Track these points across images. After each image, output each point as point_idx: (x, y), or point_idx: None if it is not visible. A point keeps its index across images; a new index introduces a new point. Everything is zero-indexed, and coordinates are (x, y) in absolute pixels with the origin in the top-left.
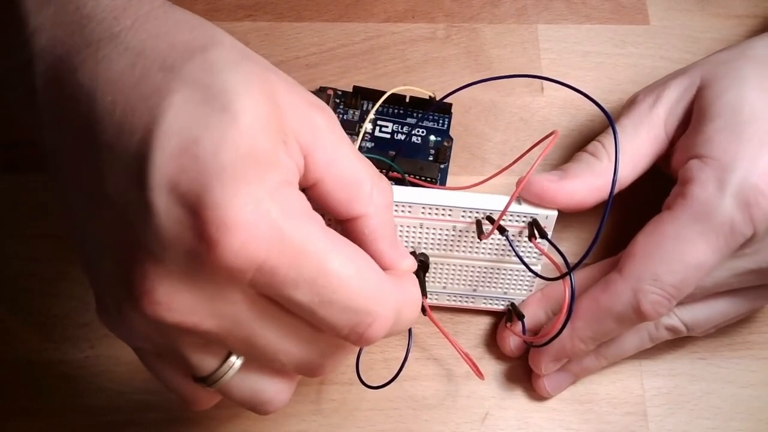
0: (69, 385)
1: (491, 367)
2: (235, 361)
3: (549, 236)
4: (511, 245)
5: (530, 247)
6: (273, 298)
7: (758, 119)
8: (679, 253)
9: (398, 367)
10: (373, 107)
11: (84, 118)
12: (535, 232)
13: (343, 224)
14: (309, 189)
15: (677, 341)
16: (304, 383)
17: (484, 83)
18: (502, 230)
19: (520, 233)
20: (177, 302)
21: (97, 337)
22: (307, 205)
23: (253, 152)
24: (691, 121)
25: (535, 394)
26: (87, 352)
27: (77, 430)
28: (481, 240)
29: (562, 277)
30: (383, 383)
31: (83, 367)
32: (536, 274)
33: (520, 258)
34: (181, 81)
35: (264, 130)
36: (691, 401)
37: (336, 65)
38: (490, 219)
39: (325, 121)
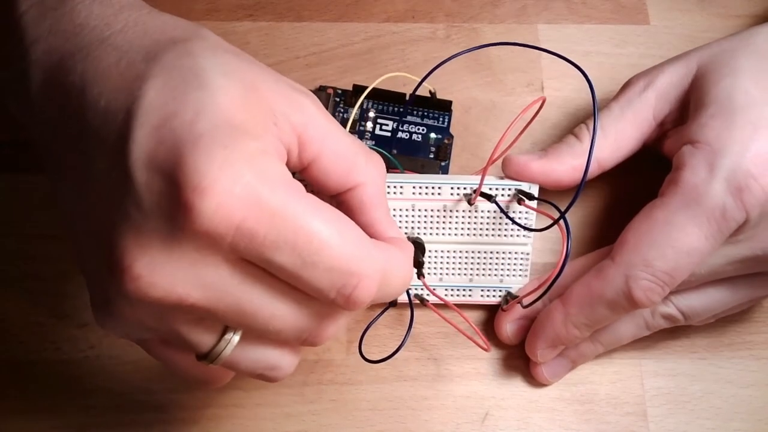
0: (69, 385)
1: (491, 367)
2: (233, 335)
3: (535, 196)
4: (499, 207)
5: (521, 213)
6: (257, 264)
7: (752, 106)
8: (670, 239)
9: (399, 367)
10: (372, 105)
11: (73, 113)
12: (523, 197)
13: (338, 198)
14: (306, 169)
15: (677, 341)
16: (304, 383)
17: (484, 84)
18: (490, 197)
19: (509, 207)
20: (158, 275)
21: (97, 337)
22: (287, 174)
23: (229, 122)
24: (689, 110)
25: (535, 394)
26: (87, 352)
27: (77, 430)
28: (471, 205)
29: (555, 222)
30: (382, 358)
31: (83, 367)
32: (530, 229)
33: (510, 218)
34: (161, 67)
35: (241, 107)
36: (691, 401)
37: (336, 65)
38: (481, 195)
39: (312, 103)
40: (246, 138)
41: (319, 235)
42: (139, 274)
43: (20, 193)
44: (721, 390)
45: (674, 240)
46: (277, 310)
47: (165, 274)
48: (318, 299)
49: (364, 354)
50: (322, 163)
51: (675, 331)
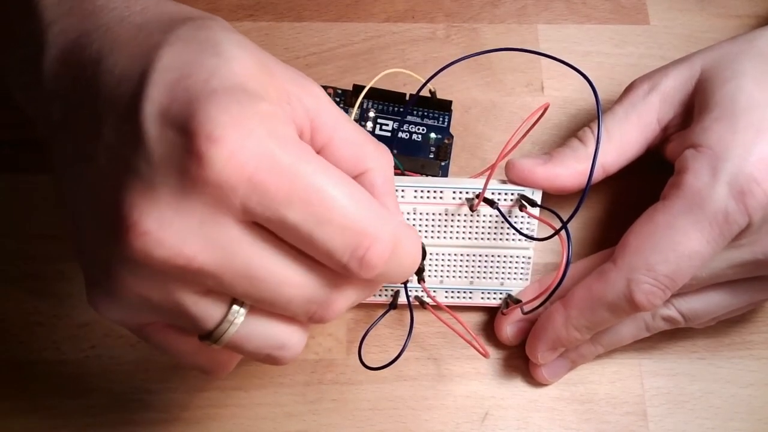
0: (69, 385)
1: (491, 367)
2: (240, 308)
3: (538, 203)
4: (501, 214)
5: (523, 219)
6: (267, 226)
7: (755, 109)
8: (672, 242)
9: (399, 367)
10: (372, 105)
11: (86, 82)
12: (525, 204)
13: None
14: (318, 153)
15: (677, 340)
16: (305, 383)
17: (483, 84)
18: (492, 203)
19: (511, 212)
20: (165, 232)
21: (97, 337)
22: (298, 137)
23: (242, 86)
24: (692, 114)
25: (535, 394)
26: (87, 352)
27: (77, 430)
28: (473, 211)
29: (557, 232)
30: (382, 365)
31: (83, 367)
32: (531, 238)
33: (513, 225)
34: (176, 36)
35: (255, 77)
36: (690, 401)
37: (336, 65)
38: (484, 200)
39: (322, 91)
40: (259, 99)
41: (332, 194)
42: (146, 229)
43: (20, 193)
44: (720, 390)
45: (676, 244)
46: (287, 276)
47: (173, 231)
48: (329, 266)
49: (363, 360)
50: (333, 148)
51: (675, 331)
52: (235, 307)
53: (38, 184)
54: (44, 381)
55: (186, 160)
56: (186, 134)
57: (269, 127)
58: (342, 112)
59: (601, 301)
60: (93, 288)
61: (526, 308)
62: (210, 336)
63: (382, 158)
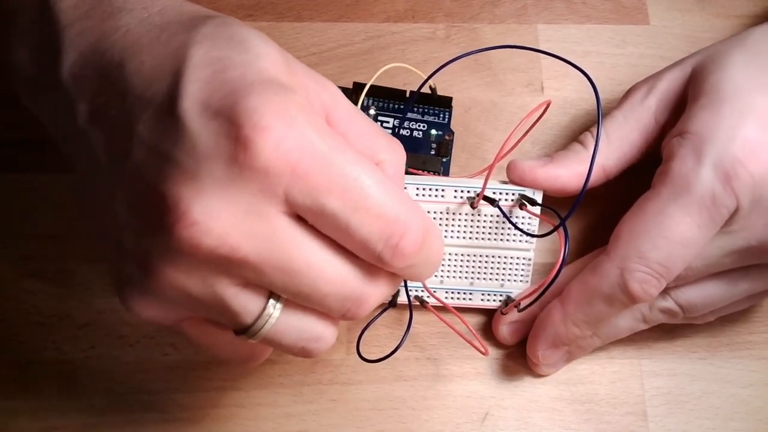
0: (69, 385)
1: (491, 367)
2: (277, 303)
3: (539, 201)
4: (501, 211)
5: (524, 219)
6: (306, 217)
7: (739, 95)
8: (662, 229)
9: (399, 367)
10: (373, 103)
11: (113, 84)
12: (526, 203)
13: None
14: None
15: (677, 340)
16: (304, 383)
17: (483, 84)
18: (492, 201)
19: (512, 212)
20: (214, 220)
21: (97, 337)
22: (329, 127)
23: (276, 79)
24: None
25: (535, 394)
26: (87, 352)
27: (77, 430)
28: (473, 208)
29: (555, 228)
30: (379, 357)
31: (83, 367)
32: (531, 235)
33: (512, 223)
34: (203, 35)
35: (283, 72)
36: (690, 401)
37: (336, 65)
38: (484, 199)
39: (336, 87)
40: (292, 92)
41: (368, 182)
42: (195, 219)
43: (20, 193)
44: (720, 390)
45: (666, 230)
46: (325, 269)
47: (220, 220)
48: (364, 258)
49: (361, 353)
50: (348, 141)
51: (675, 331)
52: (272, 302)
53: (38, 184)
54: (44, 381)
55: (233, 148)
56: (231, 124)
57: (307, 117)
58: (355, 107)
59: (597, 293)
60: (127, 286)
61: (523, 303)
62: (247, 330)
63: (394, 151)
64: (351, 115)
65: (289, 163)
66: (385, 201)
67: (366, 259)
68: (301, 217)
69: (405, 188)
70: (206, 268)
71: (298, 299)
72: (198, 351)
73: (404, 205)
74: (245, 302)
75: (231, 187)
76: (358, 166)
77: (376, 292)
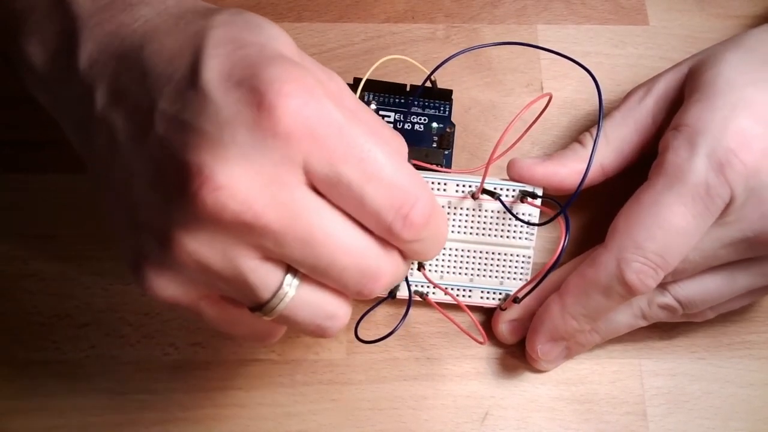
0: (69, 385)
1: (491, 367)
2: (293, 279)
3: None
4: (502, 203)
5: (524, 214)
6: (322, 187)
7: (733, 89)
8: (658, 219)
9: (399, 367)
10: (374, 97)
11: (133, 65)
12: (526, 196)
13: None
14: None
15: (677, 340)
16: (304, 383)
17: (483, 84)
18: (493, 194)
19: (513, 208)
20: (238, 186)
21: (97, 337)
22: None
23: (291, 58)
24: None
25: (535, 393)
26: (87, 352)
27: (77, 430)
28: (475, 199)
29: (556, 216)
30: (378, 338)
31: (83, 367)
32: (532, 224)
33: (514, 215)
34: (219, 20)
35: (296, 54)
36: (690, 401)
37: (336, 65)
38: (484, 192)
39: (341, 79)
40: (308, 69)
41: (381, 153)
42: (220, 184)
43: (20, 193)
44: (720, 389)
45: (662, 220)
46: (343, 240)
47: (244, 185)
48: (376, 230)
49: (359, 335)
50: None
51: (674, 330)
52: (289, 277)
53: (38, 184)
54: (44, 381)
55: (256, 114)
56: (254, 92)
57: (323, 90)
58: (359, 100)
59: (595, 285)
60: (145, 263)
61: (522, 292)
62: (264, 306)
63: (399, 141)
64: (355, 106)
65: (310, 129)
66: (397, 171)
67: (377, 232)
68: (317, 190)
69: None
70: (227, 238)
71: (316, 273)
72: (197, 352)
73: (414, 178)
74: (264, 276)
75: (254, 154)
76: (372, 136)
77: (391, 269)
